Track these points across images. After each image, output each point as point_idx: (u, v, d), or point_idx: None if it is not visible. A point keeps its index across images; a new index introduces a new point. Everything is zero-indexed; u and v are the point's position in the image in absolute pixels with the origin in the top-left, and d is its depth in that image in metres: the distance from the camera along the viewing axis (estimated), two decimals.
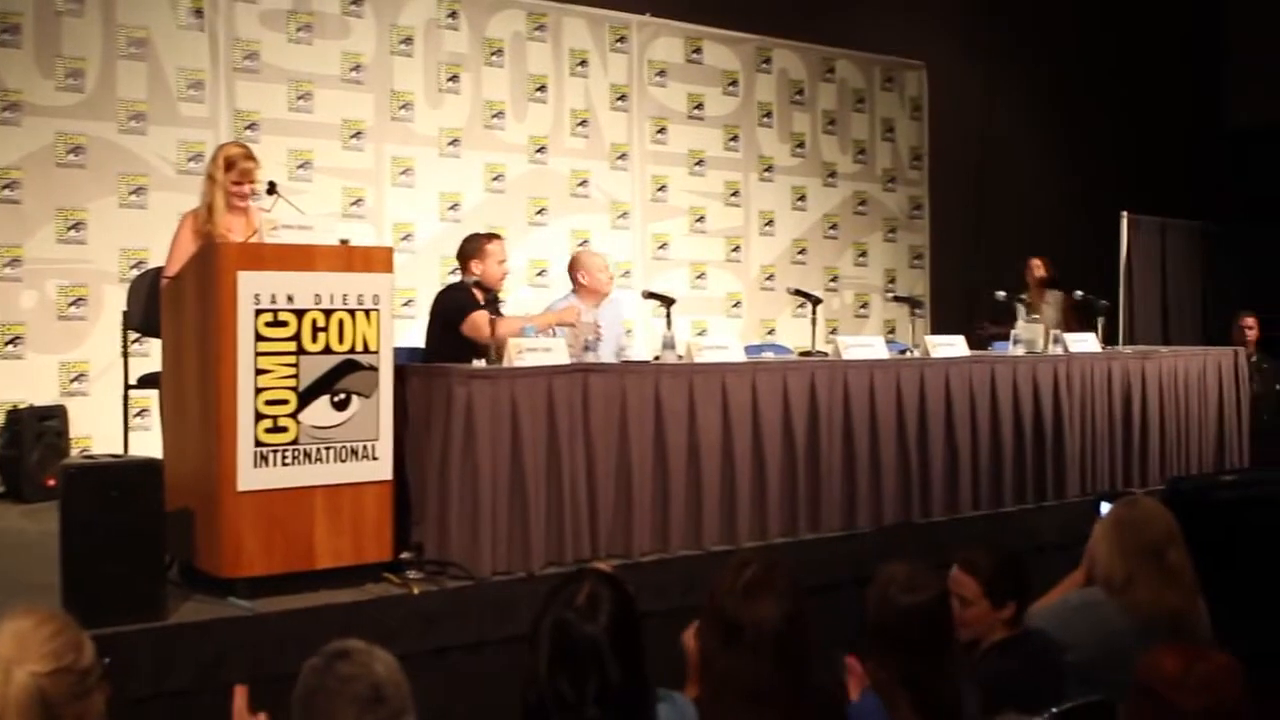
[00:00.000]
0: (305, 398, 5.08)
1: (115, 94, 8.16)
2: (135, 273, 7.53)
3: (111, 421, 6.81)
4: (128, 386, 6.41)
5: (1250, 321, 10.63)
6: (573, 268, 7.54)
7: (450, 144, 9.52)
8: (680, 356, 6.55)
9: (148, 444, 6.32)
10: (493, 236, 7.09)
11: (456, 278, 7.49)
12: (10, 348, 7.80)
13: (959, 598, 3.86)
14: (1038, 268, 10.07)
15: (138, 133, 8.22)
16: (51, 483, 6.68)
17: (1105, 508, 5.22)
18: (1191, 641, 3.66)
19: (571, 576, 3.07)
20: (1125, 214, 11.80)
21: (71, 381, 7.90)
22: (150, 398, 6.77)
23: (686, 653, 3.52)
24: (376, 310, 5.24)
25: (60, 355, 7.92)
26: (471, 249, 6.99)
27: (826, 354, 7.25)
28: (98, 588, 4.50)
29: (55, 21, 7.97)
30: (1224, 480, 6.57)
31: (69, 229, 7.95)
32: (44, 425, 7.50)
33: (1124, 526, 4.06)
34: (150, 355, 6.97)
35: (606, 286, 7.51)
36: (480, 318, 6.55)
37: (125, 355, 6.51)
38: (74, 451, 7.54)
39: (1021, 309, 8.21)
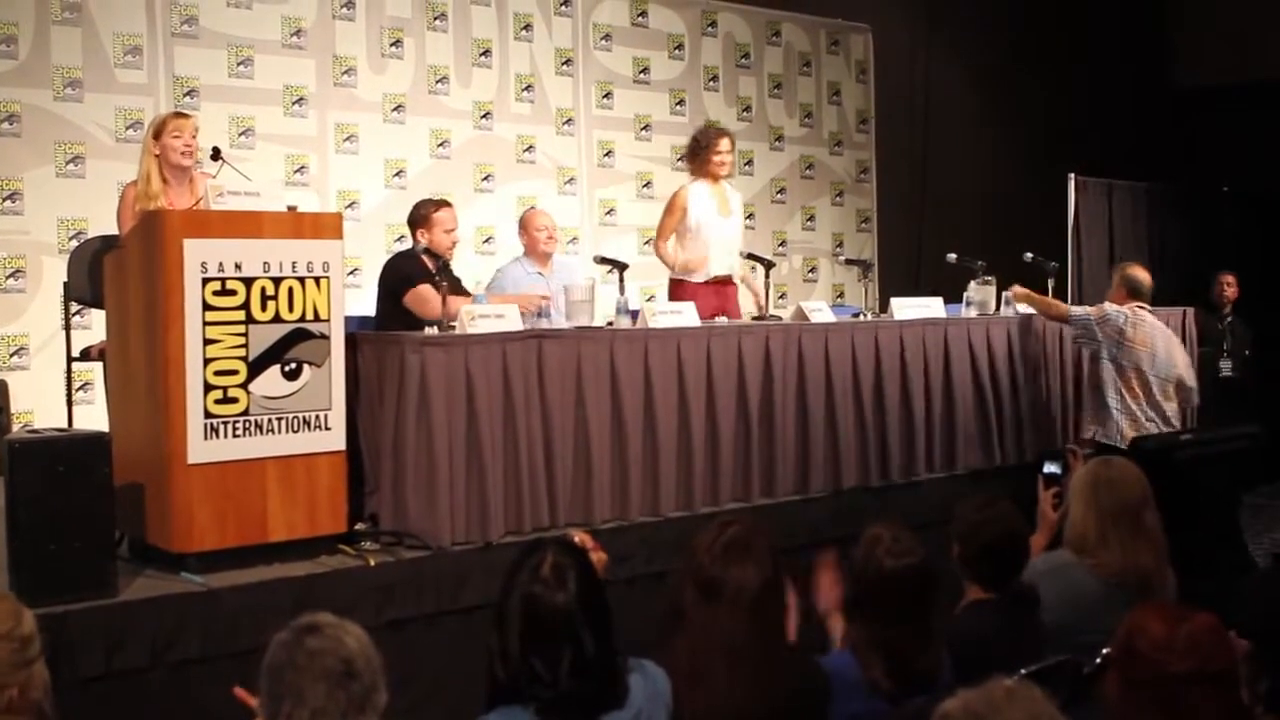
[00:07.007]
0: (255, 368, 5.00)
1: (50, 61, 7.92)
2: (75, 243, 7.34)
3: (54, 395, 6.67)
4: (70, 359, 6.27)
5: (1230, 279, 10.90)
6: (519, 228, 7.58)
7: (394, 110, 9.37)
8: (634, 321, 6.49)
9: (93, 418, 6.19)
10: (441, 204, 6.99)
11: (402, 245, 7.40)
12: None
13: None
14: None
15: (74, 100, 8.00)
16: None
17: (1048, 467, 5.22)
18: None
19: (531, 548, 3.01)
20: (1072, 176, 11.78)
21: (11, 355, 7.72)
22: (94, 370, 6.63)
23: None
24: (327, 277, 5.16)
25: None
26: (419, 217, 6.89)
27: (781, 318, 7.24)
28: (46, 565, 4.42)
29: None
30: (1182, 440, 6.58)
31: (5, 199, 7.75)
32: None
33: (1100, 486, 4.04)
34: (92, 327, 6.83)
35: (544, 245, 7.42)
36: (426, 290, 6.39)
37: (67, 327, 6.35)
38: (16, 427, 7.38)
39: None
